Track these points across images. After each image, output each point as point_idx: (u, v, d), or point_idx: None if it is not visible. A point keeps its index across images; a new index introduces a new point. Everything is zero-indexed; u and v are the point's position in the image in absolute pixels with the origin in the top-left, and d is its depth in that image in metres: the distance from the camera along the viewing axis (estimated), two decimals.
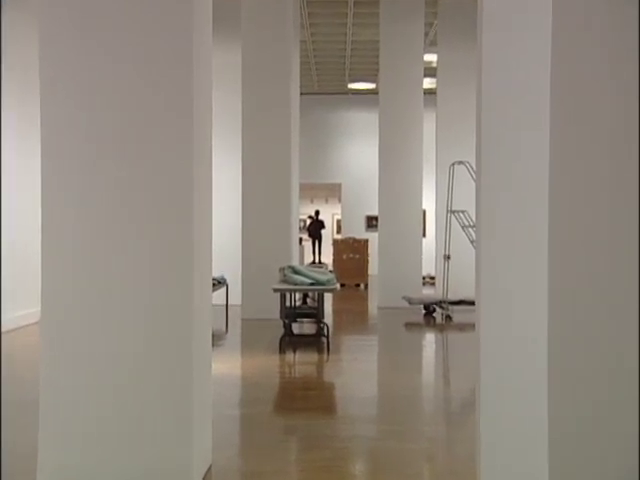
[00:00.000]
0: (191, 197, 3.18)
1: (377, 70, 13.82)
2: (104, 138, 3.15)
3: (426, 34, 12.25)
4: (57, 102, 3.12)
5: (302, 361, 6.55)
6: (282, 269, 7.16)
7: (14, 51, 8.20)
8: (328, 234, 20.16)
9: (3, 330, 7.53)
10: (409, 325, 9.09)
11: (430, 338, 8.40)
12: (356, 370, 6.05)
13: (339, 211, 18.90)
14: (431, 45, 12.90)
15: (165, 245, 3.17)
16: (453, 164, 9.59)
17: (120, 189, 3.15)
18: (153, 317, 3.16)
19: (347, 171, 17.71)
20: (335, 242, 15.22)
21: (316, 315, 7.39)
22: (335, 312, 10.55)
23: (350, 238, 15.21)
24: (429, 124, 12.48)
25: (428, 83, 13.93)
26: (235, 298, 9.41)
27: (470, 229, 9.05)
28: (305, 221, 19.06)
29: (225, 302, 9.02)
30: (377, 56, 11.84)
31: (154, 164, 3.15)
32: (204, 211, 3.45)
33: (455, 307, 9.42)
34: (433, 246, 11.54)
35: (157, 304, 3.16)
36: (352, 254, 14.68)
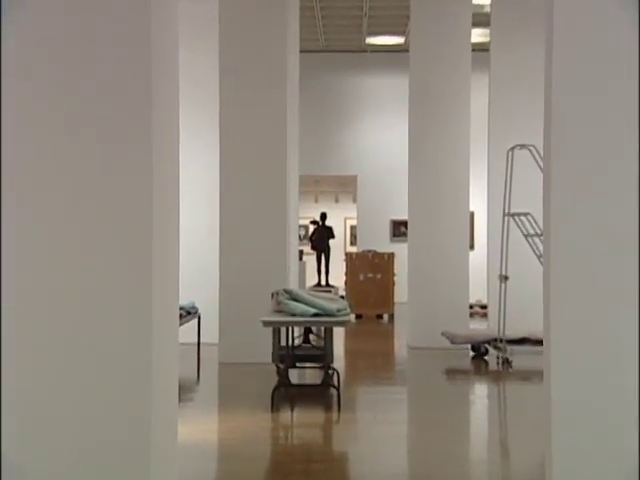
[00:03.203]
0: (149, 201, 3.23)
1: (406, 19, 13.88)
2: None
3: None
4: None
5: (303, 422, 6.53)
6: (275, 294, 7.16)
7: None
8: (339, 246, 20.21)
9: None
10: (451, 372, 9.05)
11: (481, 391, 8.37)
12: (377, 435, 6.03)
13: (354, 214, 18.95)
14: None
15: (113, 266, 3.22)
16: (512, 149, 9.59)
17: (59, 193, 3.23)
18: (97, 363, 3.20)
19: (365, 159, 17.76)
20: (349, 257, 15.25)
21: (322, 358, 7.38)
22: (348, 354, 10.52)
23: (369, 251, 15.24)
24: (479, 93, 12.51)
25: (478, 35, 13.99)
26: (210, 334, 9.41)
27: (536, 239, 9.04)
28: (307, 228, 19.11)
29: (196, 340, 9.03)
30: None
31: (100, 161, 3.23)
32: (168, 218, 3.49)
33: (516, 348, 9.40)
34: (484, 262, 11.54)
35: (102, 344, 3.20)
36: (372, 273, 14.69)
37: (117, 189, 3.24)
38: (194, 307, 9.18)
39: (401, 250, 14.46)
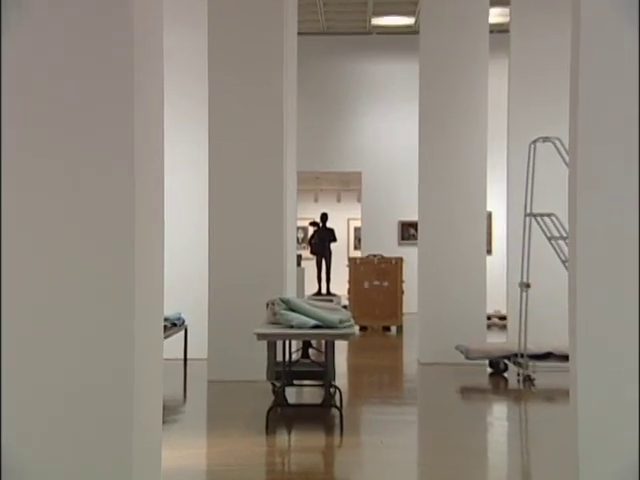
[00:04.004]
0: (131, 200, 3.24)
1: None
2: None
3: None
4: None
5: (301, 446, 6.53)
6: (271, 304, 7.16)
7: None
8: (341, 250, 20.23)
9: None
10: (466, 391, 9.05)
11: (499, 412, 8.37)
12: (384, 462, 6.02)
13: (358, 215, 18.97)
14: None
15: (89, 272, 3.22)
16: (535, 142, 9.59)
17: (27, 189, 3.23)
18: (71, 380, 3.21)
19: (370, 154, 17.77)
20: (352, 262, 15.26)
21: (323, 375, 7.38)
22: (352, 370, 10.52)
23: (375, 256, 15.24)
24: (498, 79, 12.52)
25: (497, 15, 14.01)
26: (198, 348, 9.41)
27: (561, 242, 9.04)
28: (306, 230, 19.12)
29: (183, 355, 9.04)
30: None
31: (74, 156, 3.25)
32: (151, 220, 3.50)
33: (539, 364, 9.39)
34: (503, 268, 11.54)
35: (75, 360, 3.21)
36: (378, 281, 14.70)
37: (94, 187, 3.25)
38: (180, 318, 9.20)
39: (410, 255, 14.46)
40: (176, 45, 9.60)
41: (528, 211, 9.53)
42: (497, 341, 11.48)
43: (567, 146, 3.73)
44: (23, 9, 3.21)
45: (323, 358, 7.45)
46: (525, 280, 9.54)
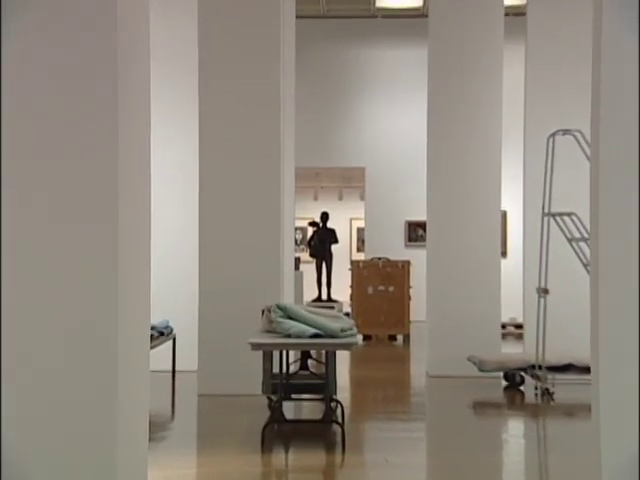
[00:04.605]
0: (115, 198, 3.25)
1: None
2: None
3: None
4: None
5: (299, 466, 6.52)
6: (267, 311, 7.16)
7: None
8: (343, 252, 20.24)
9: None
10: (480, 406, 9.05)
11: (516, 429, 8.37)
12: None
13: (361, 214, 18.99)
14: None
15: (68, 275, 3.22)
16: (554, 134, 9.60)
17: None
18: (50, 393, 3.21)
19: (375, 148, 17.79)
20: (355, 266, 15.26)
21: (323, 388, 7.39)
22: (355, 383, 10.51)
23: (380, 259, 15.25)
24: (513, 67, 12.52)
25: None
26: (187, 360, 9.41)
27: (583, 244, 9.04)
28: (305, 231, 19.13)
29: (171, 366, 9.04)
30: None
31: (53, 149, 3.27)
32: (136, 220, 3.50)
33: (558, 376, 9.39)
34: (519, 273, 11.55)
35: (55, 370, 3.21)
36: (383, 286, 14.71)
37: (75, 184, 3.26)
38: (168, 327, 9.20)
39: (418, 258, 14.46)
40: (164, 32, 9.61)
41: (546, 210, 9.53)
42: (513, 351, 11.48)
43: (589, 139, 3.73)
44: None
45: (323, 370, 7.45)
46: (543, 285, 9.54)
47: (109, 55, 3.26)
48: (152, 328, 8.34)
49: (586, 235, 8.82)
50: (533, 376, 9.47)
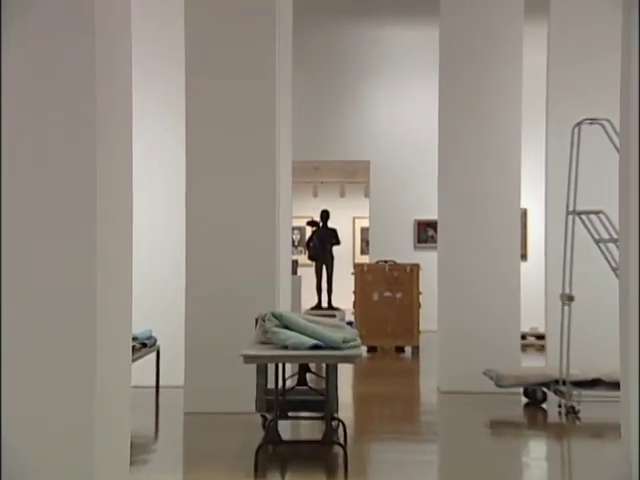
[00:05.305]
0: (92, 199, 3.26)
1: None
2: None
3: None
4: None
5: None
6: (261, 320, 7.16)
7: None
8: (345, 254, 20.27)
9: None
10: (497, 425, 9.06)
11: (537, 451, 8.37)
12: None
13: (366, 212, 19.00)
14: None
15: (44, 281, 3.23)
16: (579, 124, 9.60)
17: None
18: (26, 409, 3.22)
19: (380, 139, 17.82)
20: (359, 269, 15.28)
21: (323, 405, 7.39)
22: (359, 399, 10.53)
23: (386, 262, 15.27)
24: (534, 49, 12.52)
25: None
26: (173, 374, 9.41)
27: (612, 245, 9.04)
28: (303, 231, 19.16)
29: (155, 381, 9.03)
30: None
31: (29, 151, 3.28)
32: (117, 222, 3.51)
33: (584, 392, 9.39)
34: (541, 277, 11.56)
35: (30, 385, 3.22)
36: (390, 292, 14.73)
37: (51, 183, 3.27)
38: (151, 337, 9.19)
39: (429, 261, 14.51)
40: (146, 13, 9.60)
41: (571, 208, 9.53)
42: (534, 365, 11.49)
43: (619, 129, 3.72)
44: None
45: (323, 385, 7.46)
46: (567, 291, 9.55)
47: (87, 54, 3.28)
48: (134, 339, 8.34)
49: (615, 235, 8.83)
50: (556, 392, 9.47)
